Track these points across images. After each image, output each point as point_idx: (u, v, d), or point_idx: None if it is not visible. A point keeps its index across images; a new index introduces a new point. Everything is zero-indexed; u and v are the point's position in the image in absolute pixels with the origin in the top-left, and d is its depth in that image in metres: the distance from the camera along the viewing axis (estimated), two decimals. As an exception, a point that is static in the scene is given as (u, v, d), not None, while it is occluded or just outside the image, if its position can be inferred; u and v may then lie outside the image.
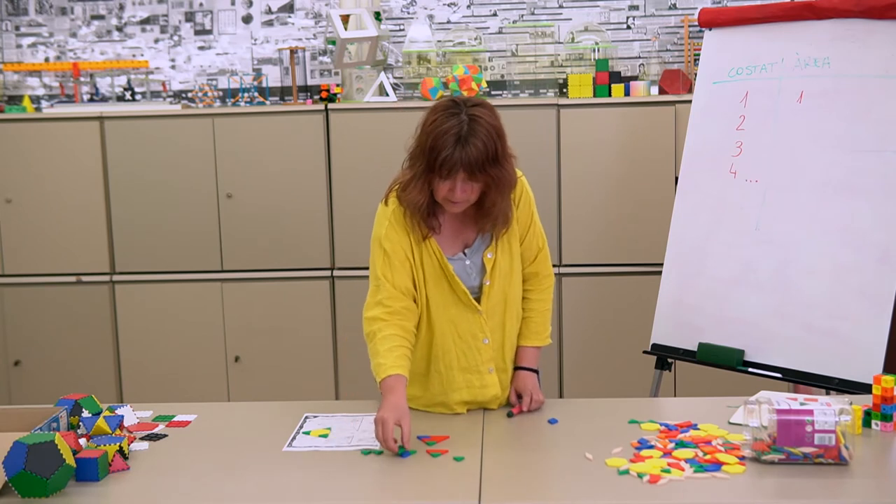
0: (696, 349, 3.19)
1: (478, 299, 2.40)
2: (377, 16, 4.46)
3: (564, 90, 4.49)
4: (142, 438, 2.28)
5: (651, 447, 2.11)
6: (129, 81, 4.75)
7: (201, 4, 4.73)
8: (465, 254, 2.41)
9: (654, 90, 4.30)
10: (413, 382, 2.39)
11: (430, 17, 4.65)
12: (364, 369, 4.38)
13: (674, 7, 4.55)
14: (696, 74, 3.53)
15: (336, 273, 4.33)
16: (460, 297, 2.39)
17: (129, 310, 4.42)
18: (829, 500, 1.85)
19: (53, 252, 4.41)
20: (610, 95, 4.21)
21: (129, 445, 2.15)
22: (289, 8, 4.72)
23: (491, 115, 2.27)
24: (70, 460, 1.92)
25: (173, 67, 4.78)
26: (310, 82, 4.74)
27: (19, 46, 4.82)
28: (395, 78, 4.67)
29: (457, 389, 2.41)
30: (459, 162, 2.20)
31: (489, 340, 2.42)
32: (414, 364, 2.38)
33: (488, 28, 4.63)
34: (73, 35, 4.79)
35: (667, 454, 2.07)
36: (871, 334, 2.80)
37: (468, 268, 2.40)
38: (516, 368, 2.48)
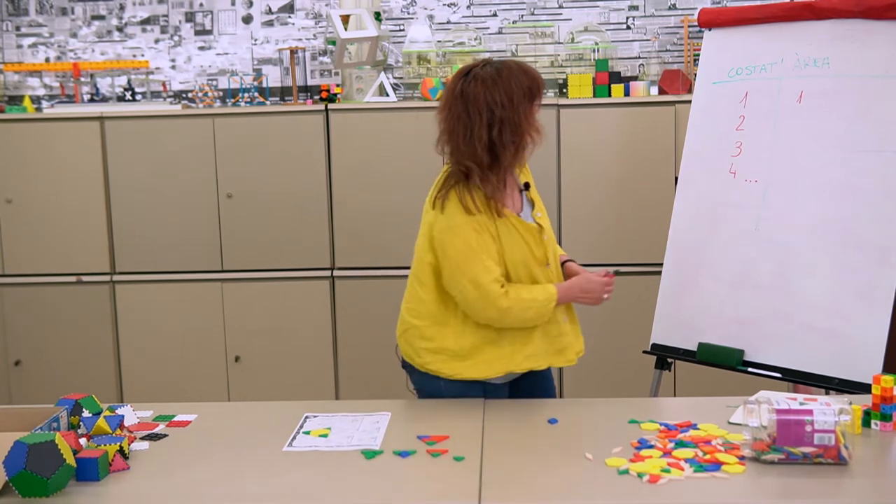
0: (696, 349, 3.19)
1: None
2: (377, 16, 4.46)
3: (564, 90, 4.49)
4: (142, 438, 2.28)
5: (651, 447, 2.11)
6: (129, 81, 4.75)
7: (201, 5, 4.73)
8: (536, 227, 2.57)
9: (654, 90, 4.30)
10: (496, 344, 2.52)
11: (430, 17, 4.65)
12: (364, 369, 4.41)
13: (673, 7, 4.55)
14: (695, 75, 3.53)
15: (336, 273, 4.33)
16: (534, 251, 2.52)
17: (129, 310, 4.42)
18: (828, 500, 1.85)
19: (53, 252, 4.42)
20: (610, 96, 4.21)
21: (129, 445, 2.15)
22: (289, 8, 4.72)
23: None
24: (70, 460, 1.92)
25: (173, 67, 4.78)
26: (310, 82, 4.74)
27: (20, 47, 4.82)
28: (395, 78, 4.68)
29: (537, 342, 2.54)
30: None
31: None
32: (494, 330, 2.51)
33: (488, 28, 4.64)
34: (74, 35, 4.79)
35: (667, 454, 2.07)
36: (871, 334, 2.80)
37: None
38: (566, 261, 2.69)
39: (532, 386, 2.66)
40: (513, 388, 2.65)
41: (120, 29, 4.77)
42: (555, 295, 2.49)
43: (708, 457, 2.04)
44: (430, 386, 2.59)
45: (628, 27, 4.58)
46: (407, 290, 2.66)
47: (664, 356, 3.31)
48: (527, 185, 2.63)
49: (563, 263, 2.68)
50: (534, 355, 2.54)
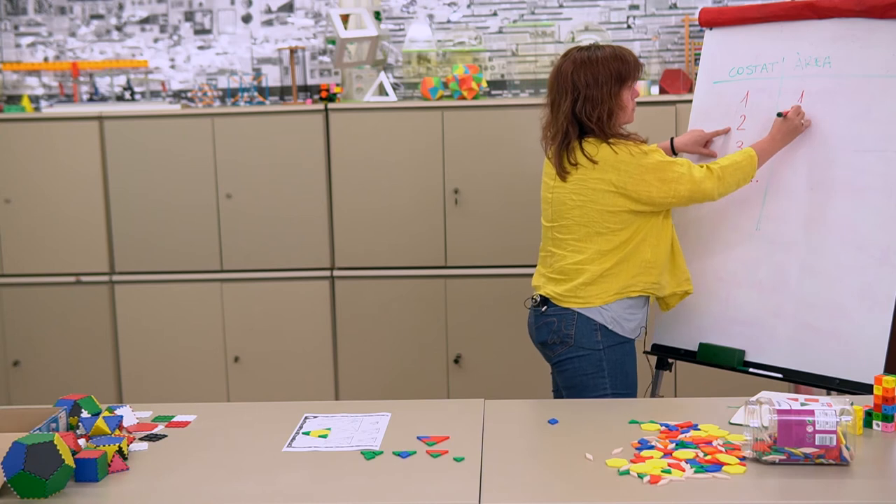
0: (696, 349, 3.19)
1: None
2: (377, 15, 4.45)
3: (564, 90, 4.48)
4: (141, 439, 2.27)
5: (651, 447, 2.11)
6: (128, 81, 4.75)
7: (201, 4, 4.73)
8: None
9: (655, 90, 4.29)
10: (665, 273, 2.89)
11: (430, 16, 4.64)
12: (364, 369, 4.40)
13: (674, 7, 4.54)
14: (696, 74, 3.53)
15: (336, 273, 4.33)
16: None
17: (128, 310, 4.42)
18: (829, 501, 1.84)
19: (53, 252, 4.41)
20: (610, 95, 4.20)
21: (128, 446, 2.14)
22: (288, 7, 4.71)
23: None
24: (69, 461, 1.92)
25: (173, 67, 4.78)
26: (310, 82, 4.73)
27: (18, 46, 4.81)
28: (395, 78, 4.67)
29: (685, 271, 2.95)
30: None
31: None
32: (665, 256, 2.88)
33: (488, 28, 4.63)
34: (73, 34, 4.78)
35: (667, 454, 2.07)
36: (872, 334, 2.79)
37: None
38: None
39: None
40: None
41: (119, 28, 4.76)
42: (754, 150, 2.91)
43: (709, 457, 2.03)
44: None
45: (629, 26, 4.57)
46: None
47: (665, 356, 3.31)
48: None
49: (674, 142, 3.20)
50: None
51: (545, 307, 2.83)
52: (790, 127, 2.93)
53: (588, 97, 2.74)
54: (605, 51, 2.78)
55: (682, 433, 2.20)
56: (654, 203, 2.77)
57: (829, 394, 2.84)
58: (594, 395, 2.75)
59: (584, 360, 2.76)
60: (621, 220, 2.75)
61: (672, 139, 3.21)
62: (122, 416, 2.24)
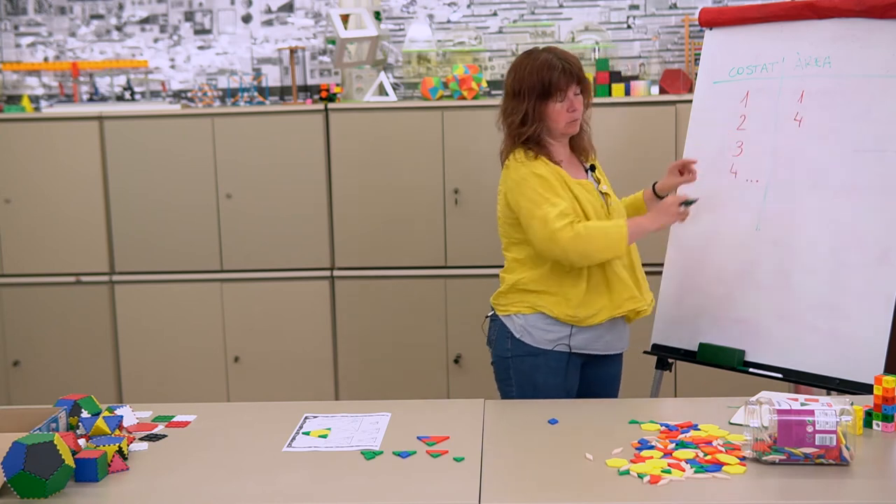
0: (696, 349, 3.18)
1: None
2: (377, 15, 4.45)
3: (564, 90, 4.48)
4: (141, 439, 2.27)
5: (651, 447, 2.11)
6: (128, 81, 4.75)
7: (201, 4, 4.72)
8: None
9: (655, 90, 4.29)
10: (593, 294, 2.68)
11: (430, 16, 4.64)
12: (364, 369, 4.40)
13: (674, 7, 4.54)
14: (696, 74, 3.53)
15: (336, 273, 4.33)
16: (599, 211, 2.70)
17: (128, 310, 4.42)
18: (829, 501, 1.84)
19: (52, 252, 4.41)
20: (610, 95, 4.21)
21: (128, 446, 2.14)
22: (288, 7, 4.71)
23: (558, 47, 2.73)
24: (69, 461, 1.91)
25: (173, 67, 4.78)
26: (309, 82, 4.73)
27: (18, 46, 4.81)
28: (395, 78, 4.67)
29: (626, 289, 2.70)
30: (572, 77, 2.63)
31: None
32: (587, 279, 2.67)
33: (488, 28, 4.63)
34: (73, 34, 4.78)
35: (667, 454, 2.06)
36: (872, 334, 2.79)
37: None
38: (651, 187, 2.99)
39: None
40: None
41: (119, 28, 4.76)
42: (628, 226, 2.64)
43: (709, 457, 2.03)
44: None
45: (629, 26, 4.57)
46: None
47: (665, 356, 3.30)
48: (592, 167, 2.82)
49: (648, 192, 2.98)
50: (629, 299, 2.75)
51: (491, 310, 2.85)
52: (670, 212, 2.71)
53: (505, 107, 2.70)
54: (537, 58, 2.65)
55: (682, 433, 2.20)
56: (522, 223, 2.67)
57: (829, 394, 2.84)
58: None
59: (497, 365, 2.78)
60: (522, 231, 2.69)
61: (654, 184, 3.02)
62: (122, 416, 2.24)
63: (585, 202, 2.67)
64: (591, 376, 2.79)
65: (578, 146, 2.81)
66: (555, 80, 2.61)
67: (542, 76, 2.61)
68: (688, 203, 2.63)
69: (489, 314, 2.83)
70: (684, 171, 2.91)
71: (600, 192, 2.76)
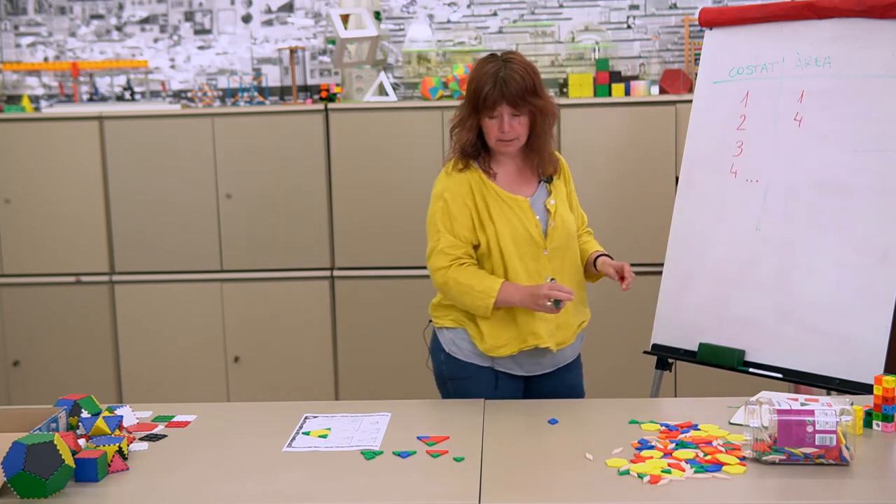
0: (696, 349, 3.19)
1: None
2: (377, 15, 4.45)
3: (565, 90, 4.48)
4: (141, 439, 2.27)
5: (651, 447, 2.11)
6: (128, 81, 4.75)
7: (201, 4, 4.72)
8: (528, 200, 2.59)
9: (655, 90, 4.29)
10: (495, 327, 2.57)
11: (430, 16, 4.64)
12: (364, 369, 4.40)
13: (674, 7, 4.54)
14: (696, 74, 3.53)
15: (336, 273, 4.33)
16: (531, 230, 2.55)
17: (128, 310, 4.42)
18: (829, 501, 1.84)
19: (52, 252, 4.41)
20: (610, 95, 4.21)
21: (128, 446, 2.14)
22: (288, 7, 4.71)
23: (524, 58, 2.55)
24: (69, 461, 1.92)
25: (173, 67, 4.78)
26: (309, 82, 4.73)
27: (18, 46, 4.81)
28: (395, 78, 4.67)
29: (532, 324, 2.55)
30: (502, 96, 2.46)
31: (550, 279, 2.57)
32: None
33: (488, 28, 4.63)
34: (73, 34, 4.78)
35: (667, 454, 2.06)
36: (872, 334, 2.79)
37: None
38: (598, 256, 2.69)
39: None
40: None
41: (119, 28, 4.76)
42: (497, 293, 2.49)
43: (709, 457, 2.03)
44: None
45: (629, 26, 4.57)
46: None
47: (665, 356, 3.31)
48: (549, 178, 2.65)
49: (596, 259, 2.69)
50: (531, 334, 2.59)
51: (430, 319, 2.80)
52: (538, 302, 2.46)
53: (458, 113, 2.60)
54: (482, 66, 2.52)
55: (682, 433, 2.20)
56: None
57: (829, 394, 2.84)
58: None
59: (435, 373, 2.74)
60: None
61: (601, 255, 2.74)
62: (122, 416, 2.24)
63: (504, 226, 2.53)
64: (544, 387, 2.68)
65: (534, 159, 2.62)
66: (484, 95, 2.47)
67: (476, 87, 2.49)
68: (556, 302, 2.44)
69: (430, 320, 2.78)
70: (622, 278, 2.58)
71: (546, 207, 2.59)
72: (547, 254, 2.57)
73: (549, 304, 2.45)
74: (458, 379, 2.64)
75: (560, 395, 2.68)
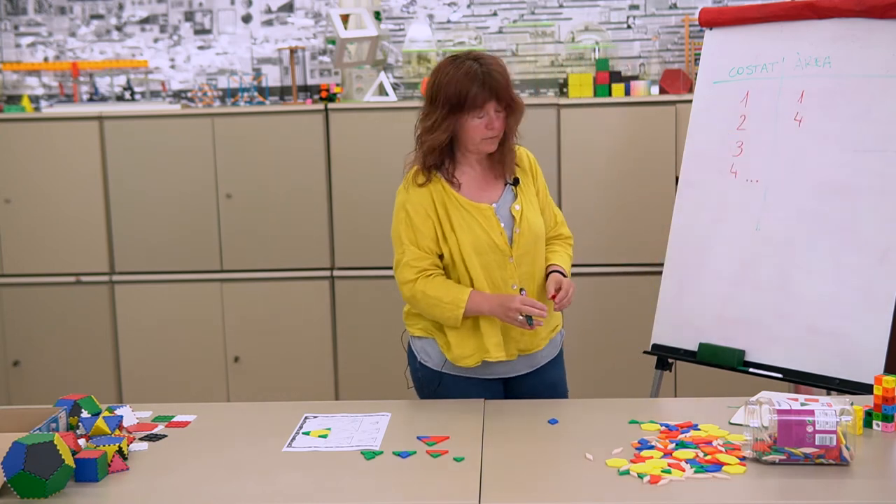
0: (696, 349, 3.19)
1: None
2: (377, 15, 4.45)
3: (564, 90, 4.49)
4: (141, 439, 2.27)
5: (651, 447, 2.11)
6: (128, 81, 4.75)
7: (201, 4, 4.72)
8: (493, 208, 2.54)
9: (655, 90, 4.29)
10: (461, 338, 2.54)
11: (430, 16, 4.64)
12: (364, 369, 4.40)
13: (674, 7, 4.54)
14: (696, 74, 3.53)
15: (336, 273, 4.33)
16: (495, 239, 2.50)
17: (128, 310, 4.42)
18: (830, 501, 1.84)
19: (52, 252, 4.41)
20: (610, 95, 4.21)
21: (128, 446, 2.14)
22: (288, 7, 4.71)
23: (492, 55, 2.52)
24: (69, 461, 1.91)
25: (173, 67, 4.78)
26: (309, 82, 4.73)
27: (18, 46, 4.81)
28: (395, 78, 4.67)
29: (494, 335, 2.52)
30: (491, 94, 2.43)
31: (517, 287, 2.53)
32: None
33: (488, 28, 4.63)
34: (73, 34, 4.78)
35: (667, 454, 2.06)
36: (872, 334, 2.79)
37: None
38: (550, 272, 2.58)
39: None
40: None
41: (119, 28, 4.76)
42: (466, 303, 2.45)
43: (709, 457, 2.03)
44: None
45: (629, 26, 4.57)
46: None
47: (665, 356, 3.31)
48: (516, 181, 2.58)
49: (549, 274, 2.58)
50: (496, 346, 2.54)
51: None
52: (508, 315, 2.43)
53: (421, 113, 2.55)
54: (460, 66, 2.46)
55: (682, 433, 2.20)
56: None
57: (829, 394, 2.84)
58: None
59: (413, 380, 2.72)
60: None
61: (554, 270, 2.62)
62: (122, 416, 2.24)
63: (466, 236, 2.48)
64: (525, 387, 2.65)
65: (500, 161, 2.56)
66: (472, 94, 2.41)
67: (459, 87, 2.42)
68: (529, 319, 2.41)
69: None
70: (554, 295, 2.51)
71: (511, 212, 2.53)
72: (513, 261, 2.52)
73: (521, 318, 2.42)
74: (434, 387, 2.63)
75: (541, 394, 2.64)
